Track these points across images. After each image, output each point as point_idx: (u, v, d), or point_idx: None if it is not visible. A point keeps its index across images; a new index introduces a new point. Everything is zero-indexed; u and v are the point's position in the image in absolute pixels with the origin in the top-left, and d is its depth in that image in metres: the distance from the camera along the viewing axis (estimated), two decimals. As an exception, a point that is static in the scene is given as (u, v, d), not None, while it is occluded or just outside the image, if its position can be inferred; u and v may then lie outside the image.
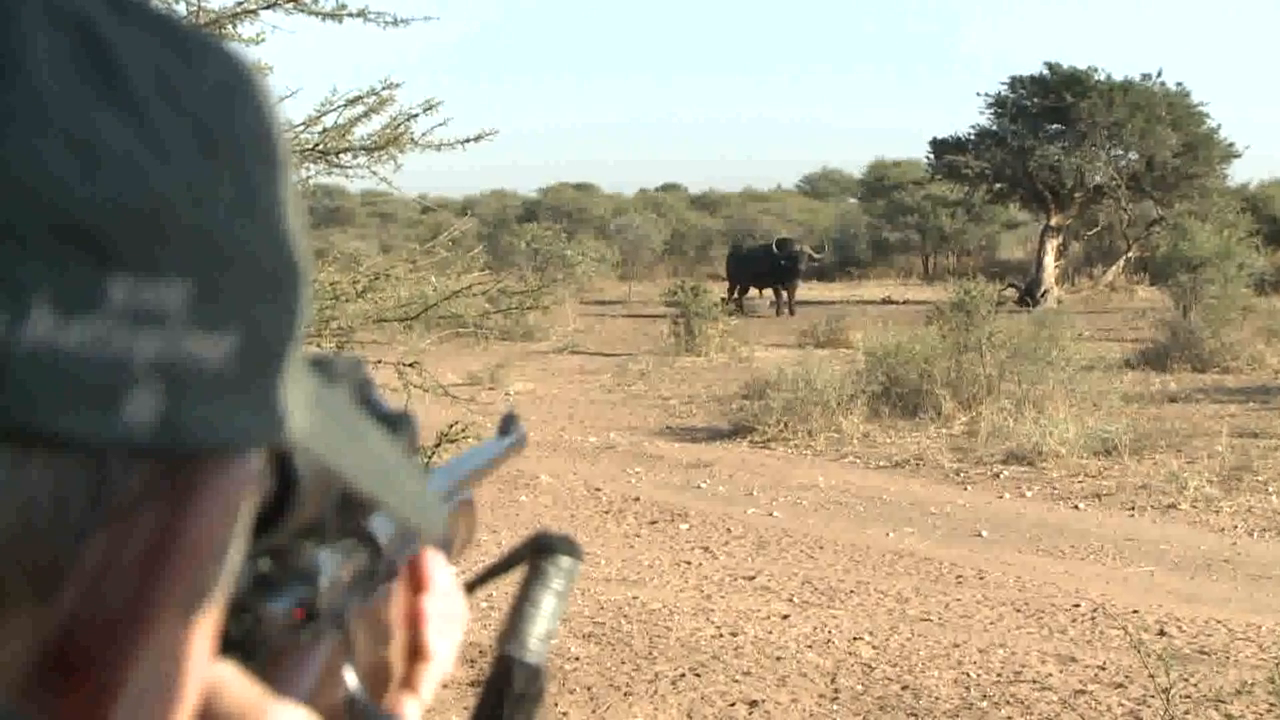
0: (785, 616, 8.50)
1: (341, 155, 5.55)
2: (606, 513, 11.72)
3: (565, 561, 0.89)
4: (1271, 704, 6.15)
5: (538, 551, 0.90)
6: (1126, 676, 7.14)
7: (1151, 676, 6.46)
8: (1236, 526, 10.94)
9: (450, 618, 0.86)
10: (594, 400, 19.06)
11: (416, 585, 0.84)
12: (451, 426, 4.97)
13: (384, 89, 5.26)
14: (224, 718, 0.64)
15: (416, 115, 5.46)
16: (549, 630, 0.88)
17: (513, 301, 6.55)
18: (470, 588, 0.94)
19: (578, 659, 7.49)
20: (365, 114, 5.41)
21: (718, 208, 60.36)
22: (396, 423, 0.75)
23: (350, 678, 0.73)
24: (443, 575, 0.86)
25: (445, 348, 9.60)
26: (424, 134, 5.53)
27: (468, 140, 5.68)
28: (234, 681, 0.65)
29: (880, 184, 50.78)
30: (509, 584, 1.00)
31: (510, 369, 20.66)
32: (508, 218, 48.49)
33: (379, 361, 5.73)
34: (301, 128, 5.26)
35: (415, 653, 0.84)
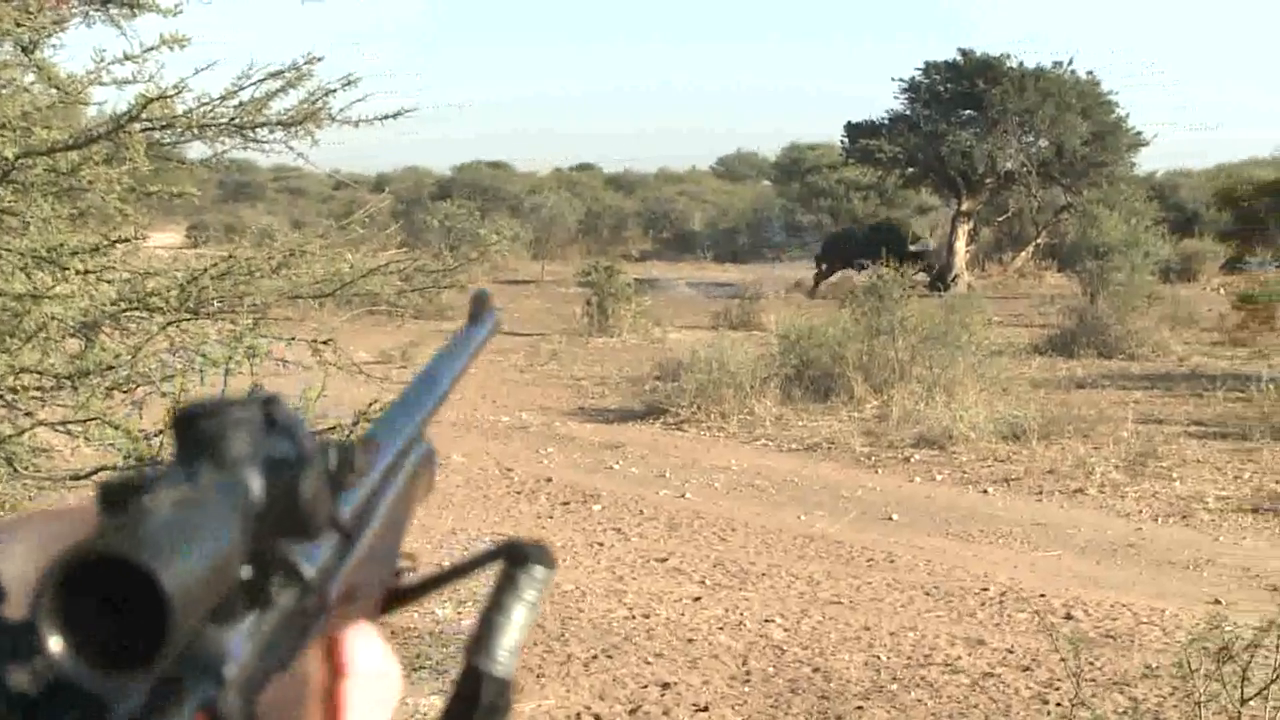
0: (697, 598, 8.52)
1: (258, 130, 5.48)
2: (518, 493, 11.70)
3: (539, 571, 0.86)
4: (1175, 687, 6.23)
5: (510, 559, 0.86)
6: (1034, 659, 7.22)
7: (1063, 660, 6.54)
8: (1141, 511, 11.09)
9: (379, 703, 0.76)
10: (506, 380, 19.01)
11: (337, 669, 0.74)
12: (371, 404, 4.91)
13: (305, 63, 5.19)
14: None
15: (335, 90, 5.40)
16: (519, 642, 0.85)
17: (428, 280, 6.50)
18: (427, 589, 0.89)
19: (490, 639, 7.46)
20: (283, 88, 5.34)
21: (633, 188, 60.41)
22: (299, 461, 0.70)
23: None
24: (370, 654, 0.76)
25: (357, 325, 9.55)
26: (342, 109, 5.48)
27: (386, 116, 5.63)
28: None
29: (795, 167, 50.98)
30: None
31: (423, 347, 20.55)
32: (422, 195, 48.18)
33: (293, 339, 5.67)
34: (218, 101, 5.18)
35: None
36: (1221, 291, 28.94)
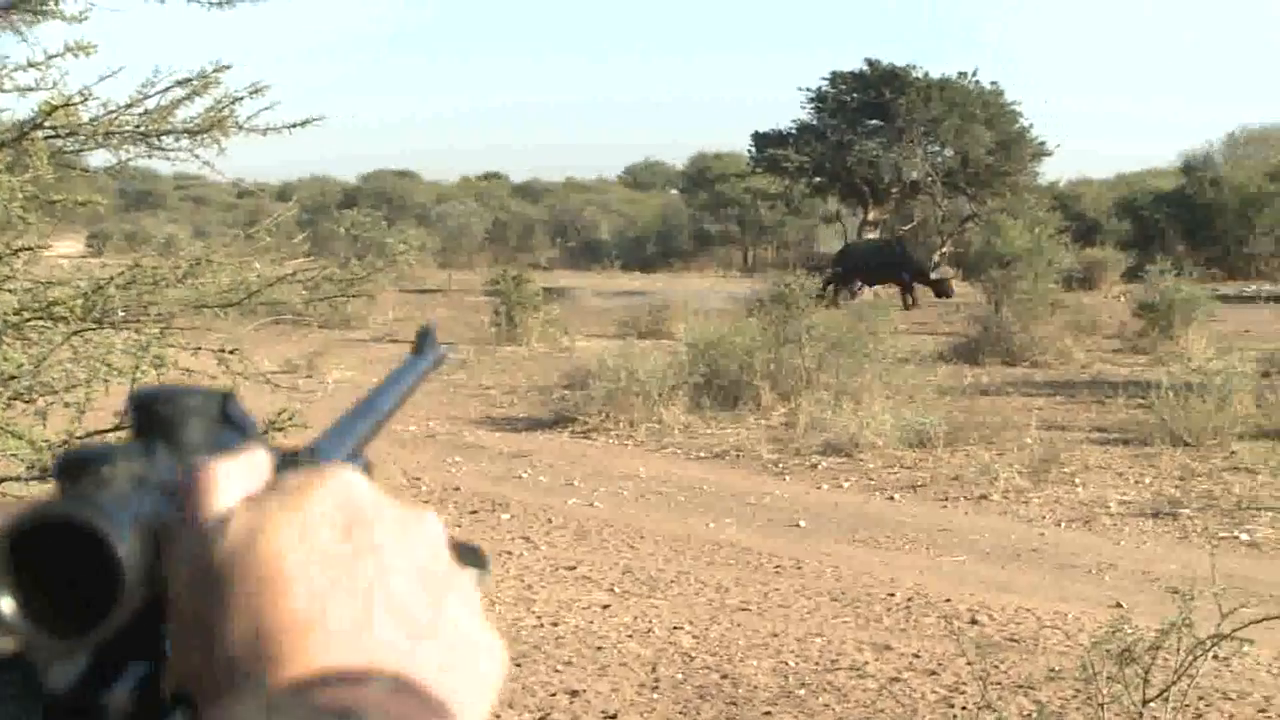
0: (606, 606, 8.55)
1: (163, 138, 5.45)
2: (426, 502, 11.64)
3: (472, 573, 0.86)
4: (1078, 689, 6.34)
5: None
6: (940, 664, 7.31)
7: (969, 664, 6.63)
8: (1045, 517, 11.24)
9: None
10: (422, 389, 18.88)
11: None
12: (280, 414, 4.90)
13: (214, 71, 5.17)
14: None
15: (242, 98, 5.39)
16: None
17: (336, 289, 6.48)
18: None
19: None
20: (189, 96, 5.32)
21: (540, 197, 60.41)
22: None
23: None
24: None
25: (262, 334, 9.50)
26: (249, 118, 5.46)
27: (294, 125, 5.62)
28: None
29: (702, 176, 51.25)
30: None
31: (328, 357, 20.47)
32: (327, 204, 47.92)
33: (199, 348, 5.65)
34: (123, 109, 5.15)
35: None
36: (1122, 299, 29.37)
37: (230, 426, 0.72)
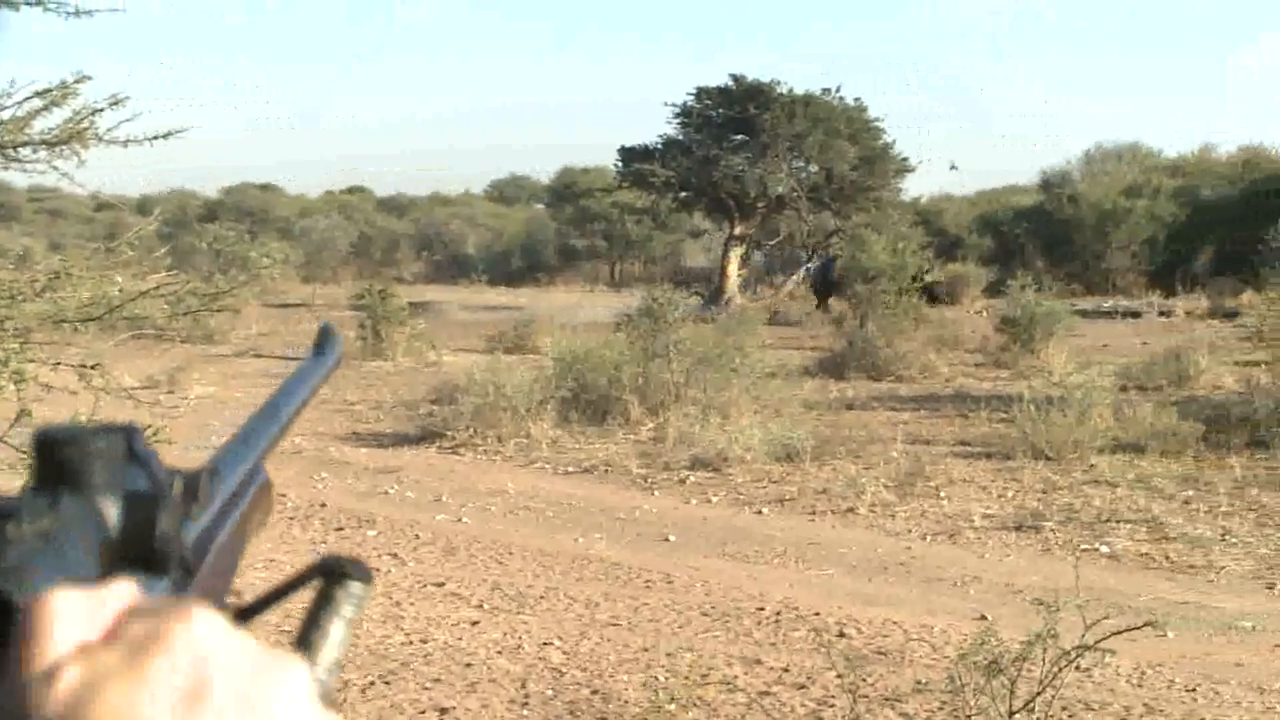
0: (475, 623, 8.51)
1: (20, 149, 5.34)
2: (292, 519, 11.53)
3: (356, 587, 0.85)
4: (945, 701, 6.41)
5: (327, 576, 0.85)
6: (809, 677, 7.36)
7: (838, 677, 6.68)
8: (910, 530, 11.38)
9: None
10: (278, 404, 18.69)
11: None
12: (145, 429, 4.82)
13: (75, 81, 5.08)
14: None
15: (102, 109, 5.29)
16: (337, 659, 0.83)
17: (199, 303, 6.39)
18: (250, 613, 0.88)
19: (264, 669, 7.34)
20: (47, 107, 5.22)
21: (405, 210, 60.13)
22: (151, 496, 0.71)
23: None
24: None
25: (122, 350, 9.32)
26: (109, 129, 5.37)
27: (156, 137, 5.54)
28: None
29: (568, 190, 51.25)
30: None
31: (191, 372, 20.17)
32: (189, 218, 47.25)
33: (59, 363, 5.54)
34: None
35: None
36: (985, 314, 29.81)
37: (136, 463, 0.71)
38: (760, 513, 12.11)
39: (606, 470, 13.94)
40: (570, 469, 14.10)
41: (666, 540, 11.07)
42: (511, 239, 51.38)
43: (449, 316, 32.93)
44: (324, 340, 1.14)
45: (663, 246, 48.74)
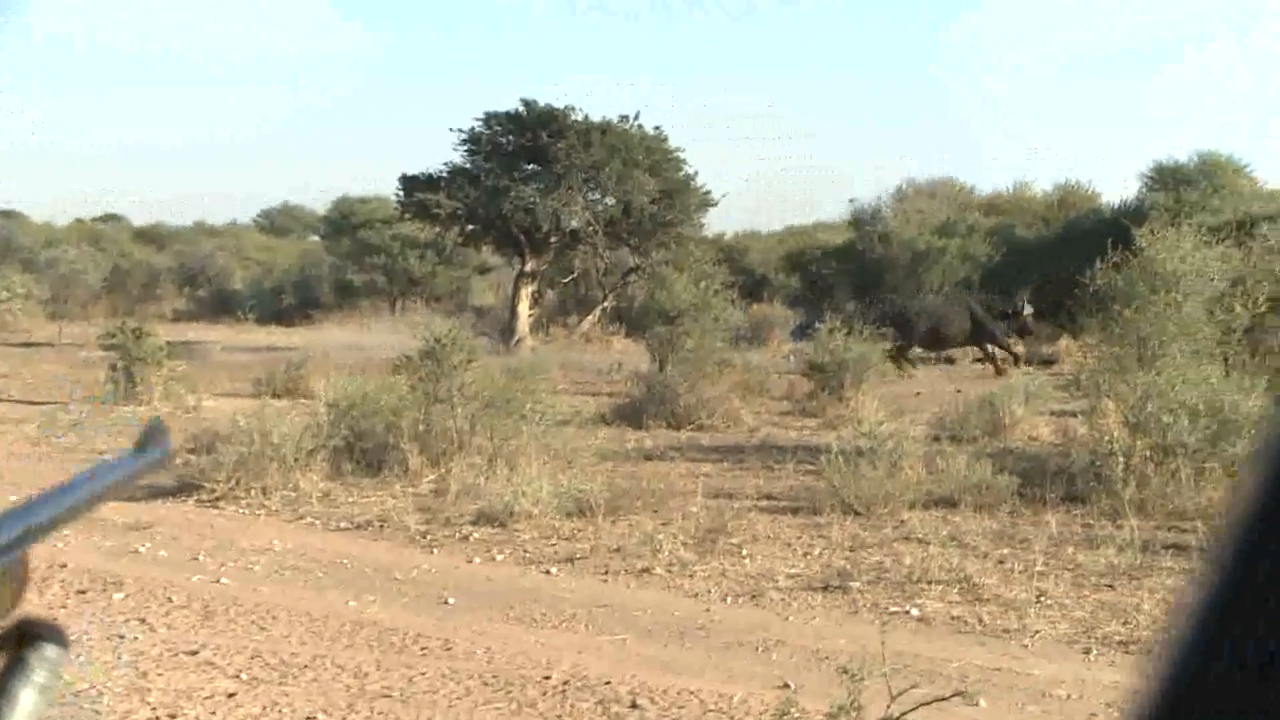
0: (231, 694, 8.29)
1: None
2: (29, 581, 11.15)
3: (50, 651, 0.81)
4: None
5: (20, 640, 0.81)
6: (599, 752, 7.29)
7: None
8: (710, 591, 11.39)
9: None
10: (16, 454, 18.19)
11: None
12: None
13: None
14: None
15: None
16: None
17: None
18: None
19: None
20: None
21: (166, 242, 59.15)
22: None
23: None
24: None
25: None
26: None
27: None
28: None
29: (345, 221, 50.72)
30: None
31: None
32: (-82, 245, 45.96)
33: None
34: None
35: None
36: (791, 359, 30.14)
37: None
38: (549, 572, 12.03)
39: (382, 526, 13.76)
40: (343, 524, 13.89)
41: (446, 603, 10.93)
42: (283, 274, 50.79)
43: (212, 357, 32.34)
44: (149, 436, 1.13)
45: (448, 283, 48.53)
